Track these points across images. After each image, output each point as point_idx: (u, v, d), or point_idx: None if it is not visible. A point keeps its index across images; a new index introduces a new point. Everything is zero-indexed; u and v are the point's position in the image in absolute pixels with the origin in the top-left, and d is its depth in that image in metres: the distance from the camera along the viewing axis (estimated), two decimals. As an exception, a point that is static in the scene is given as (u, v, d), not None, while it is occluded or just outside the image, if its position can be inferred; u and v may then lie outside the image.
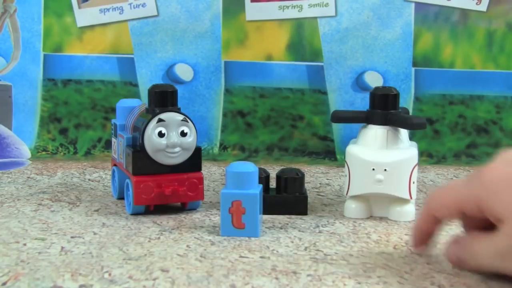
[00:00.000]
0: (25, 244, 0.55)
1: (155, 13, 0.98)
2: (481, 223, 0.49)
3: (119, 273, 0.49)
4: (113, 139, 0.73)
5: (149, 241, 0.57)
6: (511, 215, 0.47)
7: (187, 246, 0.55)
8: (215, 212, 0.66)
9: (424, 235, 0.54)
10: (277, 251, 0.54)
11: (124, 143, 0.67)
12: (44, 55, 0.98)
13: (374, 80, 0.97)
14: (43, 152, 0.97)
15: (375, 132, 0.64)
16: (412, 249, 0.55)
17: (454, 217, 0.52)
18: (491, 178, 0.48)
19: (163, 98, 0.64)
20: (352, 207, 0.66)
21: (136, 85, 0.99)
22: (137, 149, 0.64)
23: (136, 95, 0.98)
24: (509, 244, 0.47)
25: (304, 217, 0.65)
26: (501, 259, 0.48)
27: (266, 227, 0.61)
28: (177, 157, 0.64)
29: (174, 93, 0.65)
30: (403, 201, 0.64)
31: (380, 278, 0.48)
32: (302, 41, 0.98)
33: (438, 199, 0.52)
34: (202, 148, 0.83)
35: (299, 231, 0.60)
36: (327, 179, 0.83)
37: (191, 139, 0.64)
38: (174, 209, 0.67)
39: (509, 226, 0.47)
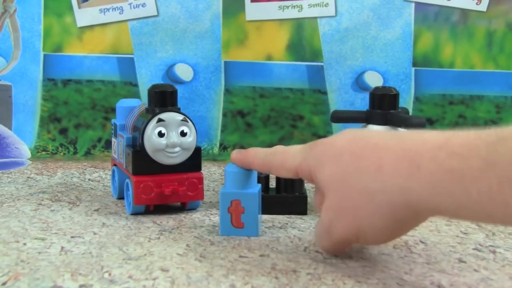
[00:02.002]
0: (25, 244, 0.55)
1: (155, 13, 0.98)
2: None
3: (119, 273, 0.49)
4: (113, 139, 0.73)
5: (149, 241, 0.57)
6: (329, 189, 0.48)
7: (187, 245, 0.55)
8: (215, 212, 0.66)
9: (247, 165, 0.57)
10: (277, 250, 0.54)
11: (124, 143, 0.67)
12: (44, 55, 0.98)
13: (374, 80, 0.97)
14: (43, 152, 0.97)
15: (375, 132, 0.64)
16: (233, 157, 0.58)
17: (291, 177, 0.54)
18: (321, 150, 0.49)
19: (163, 98, 0.64)
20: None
21: (136, 85, 0.99)
22: (137, 149, 0.64)
23: (136, 95, 0.98)
24: (330, 218, 0.48)
25: (304, 217, 0.65)
26: (328, 234, 0.49)
27: (265, 227, 0.61)
28: (177, 157, 0.64)
29: (174, 93, 0.65)
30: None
31: (379, 280, 0.48)
32: (302, 41, 0.98)
33: (278, 159, 0.54)
34: (202, 148, 0.83)
35: (299, 230, 0.60)
36: (327, 179, 0.83)
37: (191, 139, 0.64)
38: (174, 209, 0.67)
39: (328, 200, 0.48)
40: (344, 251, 0.52)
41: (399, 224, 0.46)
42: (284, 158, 0.53)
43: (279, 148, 0.55)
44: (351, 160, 0.47)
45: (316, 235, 0.52)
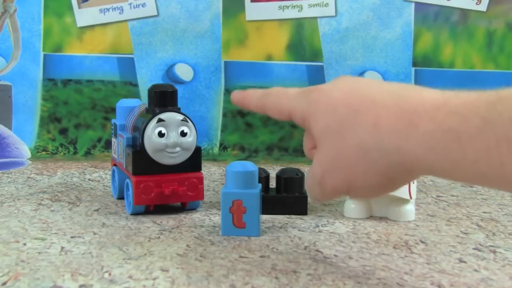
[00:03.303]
0: (25, 244, 0.55)
1: (155, 13, 0.98)
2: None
3: (119, 273, 0.49)
4: (113, 139, 0.73)
5: (149, 241, 0.57)
6: (323, 141, 0.47)
7: (187, 245, 0.55)
8: (215, 212, 0.66)
9: (245, 104, 0.56)
10: (277, 251, 0.54)
11: (124, 143, 0.67)
12: (44, 55, 0.98)
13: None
14: (43, 152, 0.97)
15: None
16: (233, 97, 0.58)
17: (284, 119, 0.52)
18: (316, 98, 0.48)
19: (163, 98, 0.64)
20: (352, 207, 0.66)
21: (136, 85, 0.99)
22: (137, 149, 0.64)
23: (136, 95, 0.98)
24: (322, 171, 0.47)
25: (304, 217, 0.65)
26: (319, 186, 0.48)
27: (266, 227, 0.61)
28: (177, 157, 0.64)
29: (174, 93, 0.65)
30: (403, 201, 0.64)
31: (380, 280, 0.48)
32: (302, 41, 0.98)
33: (273, 99, 0.53)
34: (202, 148, 0.83)
35: (299, 230, 0.60)
36: (327, 179, 0.83)
37: (191, 139, 0.64)
38: (174, 209, 0.67)
39: (321, 152, 0.47)
40: (332, 199, 0.51)
41: (391, 181, 0.46)
42: (278, 99, 0.52)
43: (275, 89, 0.54)
44: (347, 113, 0.46)
45: (307, 186, 0.51)
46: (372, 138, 0.44)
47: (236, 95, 0.57)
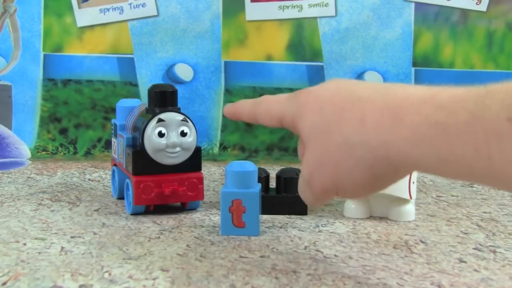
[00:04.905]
0: (25, 244, 0.55)
1: (155, 13, 0.98)
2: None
3: (119, 272, 0.49)
4: (113, 139, 0.73)
5: (149, 241, 0.57)
6: (310, 141, 0.47)
7: (187, 245, 0.55)
8: (215, 212, 0.66)
9: (237, 116, 0.56)
10: (277, 251, 0.54)
11: (124, 143, 0.67)
12: (44, 55, 0.98)
13: (374, 80, 0.97)
14: (43, 152, 0.97)
15: (375, 132, 0.64)
16: (224, 111, 0.57)
17: (275, 126, 0.52)
18: (304, 99, 0.48)
19: (163, 98, 0.64)
20: (352, 207, 0.66)
21: (136, 85, 0.99)
22: (137, 149, 0.64)
23: (136, 95, 0.98)
24: (310, 171, 0.47)
25: (304, 217, 0.65)
26: (308, 187, 0.48)
27: (266, 227, 0.61)
28: (177, 157, 0.64)
29: (174, 93, 0.65)
30: (403, 201, 0.64)
31: (379, 280, 0.48)
32: (302, 41, 0.98)
33: (264, 107, 0.52)
34: (202, 148, 0.83)
35: (299, 230, 0.60)
36: (327, 179, 0.83)
37: (191, 139, 0.64)
38: (174, 209, 0.67)
39: (309, 152, 0.47)
40: (325, 202, 0.51)
41: (378, 178, 0.45)
42: (269, 106, 0.52)
43: (265, 97, 0.54)
44: (333, 111, 0.45)
45: (299, 188, 0.50)
46: (357, 133, 0.44)
47: (227, 108, 0.57)
